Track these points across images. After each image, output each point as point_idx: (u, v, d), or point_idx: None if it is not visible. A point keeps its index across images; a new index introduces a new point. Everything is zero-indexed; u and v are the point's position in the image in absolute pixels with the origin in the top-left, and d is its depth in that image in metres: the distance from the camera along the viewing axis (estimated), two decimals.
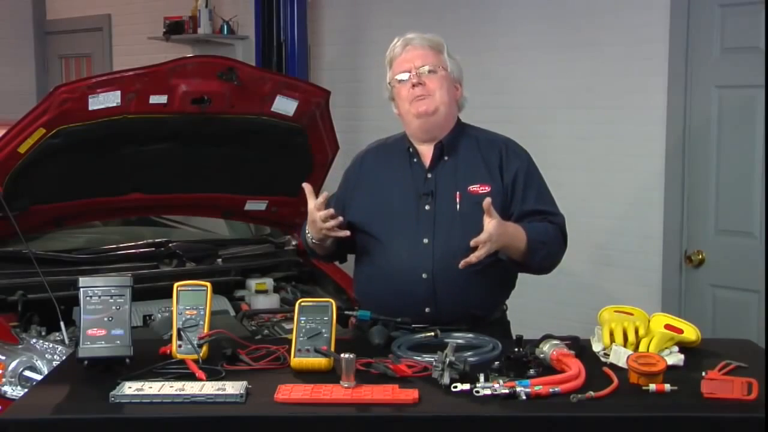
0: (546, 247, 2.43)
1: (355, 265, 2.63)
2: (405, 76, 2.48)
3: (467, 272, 2.40)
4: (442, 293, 2.42)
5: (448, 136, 2.51)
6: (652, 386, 1.91)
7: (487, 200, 2.28)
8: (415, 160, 2.52)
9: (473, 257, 2.27)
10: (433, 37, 2.54)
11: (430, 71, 2.47)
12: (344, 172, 2.69)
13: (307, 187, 2.44)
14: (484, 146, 2.52)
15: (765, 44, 3.33)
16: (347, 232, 2.41)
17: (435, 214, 2.45)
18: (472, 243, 2.27)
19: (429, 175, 2.49)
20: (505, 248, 2.36)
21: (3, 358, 2.71)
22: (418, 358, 2.09)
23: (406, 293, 2.42)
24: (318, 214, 2.37)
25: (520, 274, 2.62)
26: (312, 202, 2.40)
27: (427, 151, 2.52)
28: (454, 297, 2.42)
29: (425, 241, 2.44)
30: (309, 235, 2.50)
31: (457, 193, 2.44)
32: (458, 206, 2.43)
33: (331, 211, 2.38)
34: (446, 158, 2.50)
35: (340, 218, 2.39)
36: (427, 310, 2.42)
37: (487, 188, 2.44)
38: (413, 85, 2.46)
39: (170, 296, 2.24)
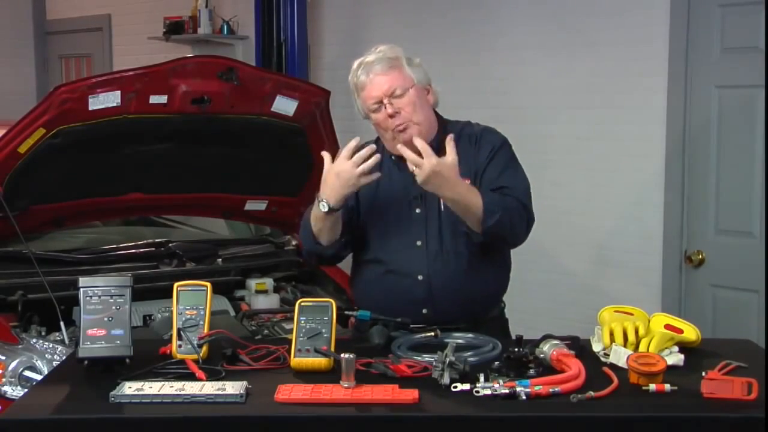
0: (502, 210, 2.36)
1: (352, 268, 2.64)
2: (377, 106, 2.46)
3: (462, 272, 2.44)
4: (438, 294, 2.44)
5: (434, 140, 2.50)
6: (652, 386, 1.91)
7: (450, 136, 2.31)
8: (401, 165, 2.50)
9: (406, 153, 2.30)
10: (389, 52, 2.49)
11: (400, 95, 2.44)
12: None
13: (324, 154, 2.43)
14: (464, 141, 2.52)
15: (765, 44, 3.32)
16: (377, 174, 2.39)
17: (426, 217, 2.47)
18: (418, 143, 2.29)
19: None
20: (449, 201, 2.34)
21: (3, 358, 2.70)
22: (418, 358, 2.09)
23: (403, 296, 2.44)
24: (348, 162, 2.34)
25: (518, 273, 2.62)
26: (328, 163, 2.39)
27: None
28: (451, 297, 2.44)
29: (418, 243, 2.47)
30: (323, 202, 2.39)
31: None
32: (442, 206, 2.44)
33: (362, 154, 2.34)
34: None
35: (373, 147, 2.38)
36: (424, 311, 2.44)
37: (467, 181, 2.44)
38: (389, 116, 2.44)
39: (170, 296, 2.24)
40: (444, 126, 2.57)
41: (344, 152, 2.37)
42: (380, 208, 2.52)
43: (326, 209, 2.39)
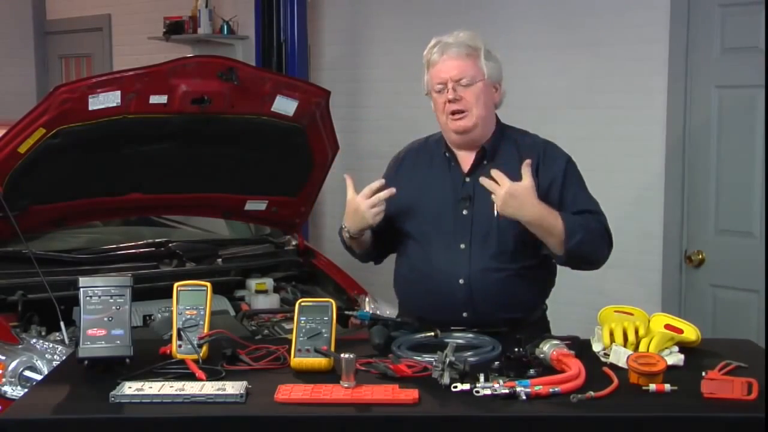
0: (584, 231, 2.37)
1: (395, 265, 2.62)
2: (441, 87, 2.45)
3: (503, 277, 2.42)
4: (479, 298, 2.41)
5: (489, 142, 2.50)
6: (652, 386, 1.91)
7: (527, 161, 2.32)
8: (452, 164, 2.51)
9: (484, 181, 2.33)
10: (471, 40, 2.46)
11: (467, 84, 2.43)
12: (384, 172, 2.66)
13: (348, 178, 2.47)
14: (524, 150, 2.49)
15: (765, 44, 3.32)
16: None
17: (472, 219, 2.44)
18: (495, 173, 2.31)
19: (467, 180, 2.48)
20: (529, 224, 2.33)
21: (3, 358, 2.71)
22: (418, 358, 2.09)
23: (444, 298, 2.42)
24: (365, 202, 2.38)
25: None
26: (352, 192, 2.42)
27: (465, 156, 2.51)
28: (492, 302, 2.41)
29: (462, 246, 2.44)
30: (345, 228, 2.48)
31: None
32: (495, 210, 2.38)
33: (381, 196, 2.38)
34: (485, 163, 2.48)
35: (393, 189, 2.40)
36: (464, 314, 2.42)
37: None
38: (449, 101, 2.43)
39: (170, 296, 2.24)
40: (502, 130, 2.55)
41: (365, 190, 2.40)
42: (427, 207, 2.49)
43: (348, 236, 2.50)
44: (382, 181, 2.44)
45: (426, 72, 2.51)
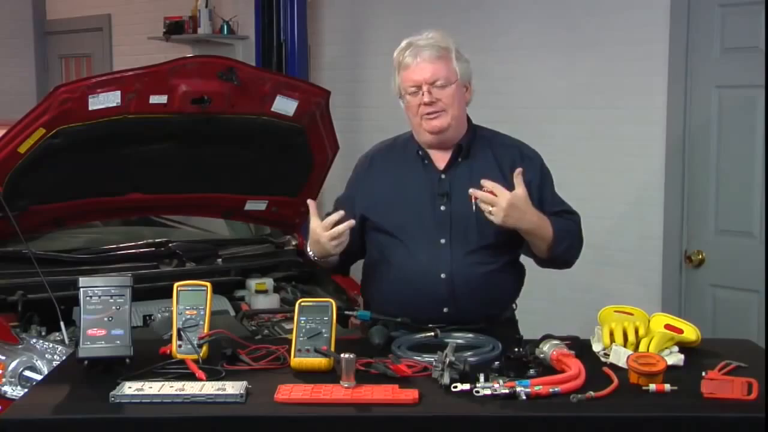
0: (570, 236, 2.46)
1: (366, 265, 2.62)
2: (415, 90, 2.44)
3: (485, 272, 2.43)
4: (460, 293, 2.42)
5: (464, 139, 2.51)
6: (652, 386, 1.91)
7: (519, 170, 2.32)
8: (426, 162, 2.52)
9: (478, 193, 2.29)
10: (442, 41, 2.46)
11: (442, 86, 2.43)
12: (352, 174, 2.66)
13: (311, 204, 2.45)
14: (498, 149, 2.52)
15: (765, 44, 3.32)
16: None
17: (451, 215, 2.45)
18: (488, 183, 2.28)
19: (443, 176, 2.49)
20: (526, 232, 2.37)
21: (3, 358, 2.70)
22: (418, 358, 2.09)
23: (425, 293, 2.42)
24: (324, 234, 2.34)
25: (528, 273, 2.63)
26: (315, 221, 2.39)
27: (438, 153, 2.52)
28: (473, 296, 2.42)
29: (442, 241, 2.44)
30: (311, 253, 2.48)
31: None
32: (474, 207, 2.39)
33: (339, 230, 2.33)
34: (460, 160, 2.49)
35: (352, 221, 2.35)
36: (445, 310, 2.42)
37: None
38: (425, 103, 2.42)
39: (170, 296, 2.24)
40: (474, 129, 2.56)
41: (325, 223, 2.36)
42: (404, 203, 2.49)
43: (314, 259, 2.50)
44: (341, 212, 2.37)
45: (396, 74, 2.50)
